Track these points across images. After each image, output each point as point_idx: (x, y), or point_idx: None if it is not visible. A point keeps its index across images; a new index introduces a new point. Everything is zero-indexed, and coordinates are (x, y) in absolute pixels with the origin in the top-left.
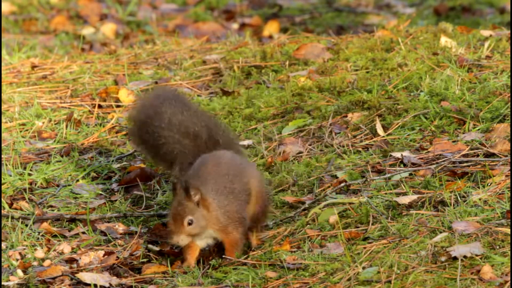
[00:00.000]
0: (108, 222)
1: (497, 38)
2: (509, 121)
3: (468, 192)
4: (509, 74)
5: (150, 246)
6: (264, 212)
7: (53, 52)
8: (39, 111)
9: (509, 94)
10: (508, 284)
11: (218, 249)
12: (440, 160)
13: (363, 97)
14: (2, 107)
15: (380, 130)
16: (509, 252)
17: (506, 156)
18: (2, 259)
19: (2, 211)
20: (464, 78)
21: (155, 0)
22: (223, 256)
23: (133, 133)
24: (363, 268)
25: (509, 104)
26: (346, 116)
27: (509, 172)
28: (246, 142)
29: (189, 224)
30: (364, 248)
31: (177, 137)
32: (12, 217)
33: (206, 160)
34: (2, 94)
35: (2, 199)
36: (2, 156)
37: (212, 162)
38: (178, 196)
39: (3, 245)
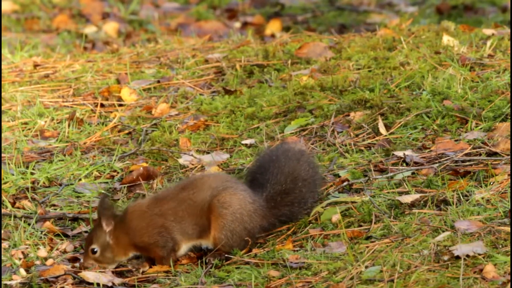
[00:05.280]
0: None
1: (499, 36)
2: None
3: (471, 191)
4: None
5: None
6: (228, 240)
7: (55, 51)
8: (42, 110)
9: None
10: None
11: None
12: (443, 159)
13: (365, 96)
14: (4, 106)
15: (382, 129)
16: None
17: (508, 155)
18: (4, 258)
19: (5, 210)
20: (466, 77)
21: None
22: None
23: None
24: (366, 267)
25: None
26: (348, 115)
27: (511, 171)
28: (248, 141)
29: (93, 252)
30: (367, 247)
31: None
32: (15, 216)
33: (185, 180)
34: (4, 93)
35: (4, 198)
36: (5, 155)
37: (183, 184)
38: (96, 220)
39: (6, 244)
